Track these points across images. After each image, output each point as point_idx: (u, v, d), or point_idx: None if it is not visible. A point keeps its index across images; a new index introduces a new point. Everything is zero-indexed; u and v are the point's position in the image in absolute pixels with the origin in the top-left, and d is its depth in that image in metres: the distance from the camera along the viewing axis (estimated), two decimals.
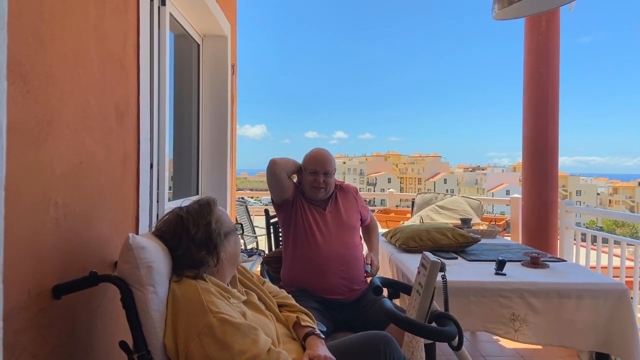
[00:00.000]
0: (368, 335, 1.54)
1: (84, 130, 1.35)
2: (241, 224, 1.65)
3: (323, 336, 1.49)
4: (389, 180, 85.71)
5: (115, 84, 1.56)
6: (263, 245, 4.95)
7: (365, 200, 2.57)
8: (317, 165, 2.27)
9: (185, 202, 1.51)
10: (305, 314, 1.59)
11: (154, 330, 1.24)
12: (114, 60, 1.55)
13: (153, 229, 1.47)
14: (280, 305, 1.60)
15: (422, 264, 1.60)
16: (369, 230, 2.58)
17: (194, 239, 1.37)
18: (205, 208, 1.43)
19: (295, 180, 2.39)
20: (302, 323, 1.51)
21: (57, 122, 1.20)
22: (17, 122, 1.03)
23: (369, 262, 2.32)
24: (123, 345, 1.23)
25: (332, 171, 2.30)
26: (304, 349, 1.45)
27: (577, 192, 74.79)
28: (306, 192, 2.31)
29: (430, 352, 1.94)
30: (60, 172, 1.22)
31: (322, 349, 1.41)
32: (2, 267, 0.55)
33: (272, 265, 2.46)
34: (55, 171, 1.20)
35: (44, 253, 1.15)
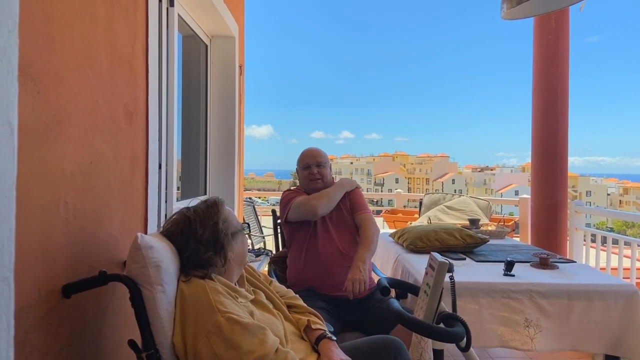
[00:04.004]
0: (378, 339, 1.55)
1: (93, 131, 1.36)
2: (248, 224, 1.64)
3: (335, 338, 1.49)
4: (397, 181, 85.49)
5: (124, 85, 1.57)
6: (270, 245, 4.95)
7: (372, 201, 2.56)
8: (308, 159, 2.38)
9: (193, 202, 1.52)
10: (314, 315, 1.59)
11: (163, 329, 1.24)
12: (123, 61, 1.56)
13: (161, 229, 1.48)
14: (288, 306, 1.60)
15: (429, 265, 1.59)
16: (360, 229, 2.25)
17: (201, 239, 1.37)
18: (212, 208, 1.43)
19: (296, 183, 2.42)
20: (313, 326, 1.51)
21: (67, 122, 1.21)
22: (27, 123, 1.04)
23: (352, 277, 1.95)
24: (132, 344, 1.24)
25: (324, 162, 2.37)
26: (314, 350, 1.46)
27: (587, 192, 74.13)
28: (305, 188, 2.38)
29: (438, 354, 1.93)
30: (70, 172, 1.23)
31: (337, 352, 1.42)
32: (13, 266, 0.56)
33: (280, 265, 2.47)
34: (65, 171, 1.21)
35: (53, 252, 1.17)
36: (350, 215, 2.33)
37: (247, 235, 1.59)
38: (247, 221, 5.17)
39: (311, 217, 2.21)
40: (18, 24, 0.56)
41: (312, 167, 2.35)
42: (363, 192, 2.59)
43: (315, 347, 1.46)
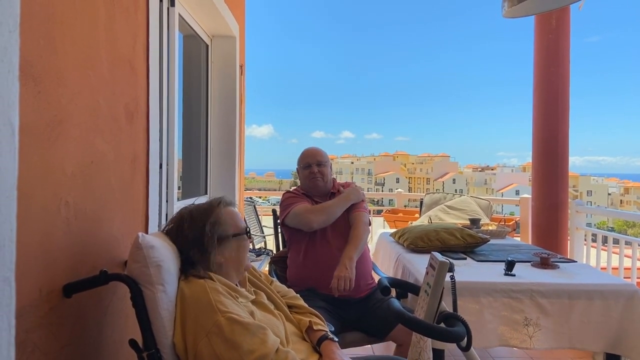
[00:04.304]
0: (388, 359, 1.54)
1: (94, 131, 1.36)
2: (248, 229, 1.58)
3: (337, 339, 1.49)
4: (397, 180, 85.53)
5: (125, 85, 1.57)
6: (271, 244, 4.96)
7: (373, 200, 2.56)
8: (308, 159, 2.38)
9: (199, 200, 1.52)
10: (316, 315, 1.59)
11: (163, 329, 1.25)
12: (124, 61, 1.57)
13: (164, 227, 1.49)
14: (289, 307, 1.60)
15: (430, 264, 1.59)
16: (351, 228, 2.25)
17: (187, 239, 1.39)
18: (208, 210, 1.43)
19: (297, 183, 2.43)
20: (315, 327, 1.51)
21: (68, 122, 1.22)
22: (28, 123, 1.05)
23: (338, 274, 2.00)
24: (133, 343, 1.24)
25: (324, 161, 2.37)
26: (315, 350, 1.46)
27: (587, 192, 74.12)
28: (307, 189, 2.38)
29: (439, 354, 1.93)
30: (71, 172, 1.23)
31: (339, 354, 1.42)
32: (14, 266, 0.56)
33: (280, 264, 2.47)
34: (66, 171, 1.21)
35: (54, 252, 1.17)
36: (349, 214, 2.32)
37: (246, 241, 1.50)
38: (247, 221, 5.17)
39: (306, 230, 2.21)
40: (19, 24, 0.56)
41: (312, 167, 2.34)
42: (364, 192, 2.59)
43: (317, 348, 1.46)
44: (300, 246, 2.25)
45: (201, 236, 1.38)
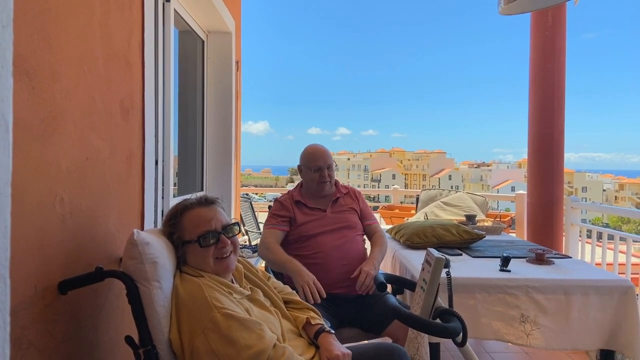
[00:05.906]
0: (383, 346, 1.53)
1: (90, 127, 1.35)
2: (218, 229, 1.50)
3: (333, 331, 1.49)
4: (394, 177, 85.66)
5: (120, 81, 1.56)
6: None
7: (369, 197, 2.56)
8: (319, 161, 2.29)
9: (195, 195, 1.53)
10: (312, 310, 1.59)
11: (160, 325, 1.24)
12: (119, 56, 1.56)
13: None
14: (286, 302, 1.60)
15: (426, 260, 1.60)
16: (372, 243, 2.35)
17: (163, 232, 1.44)
18: (172, 213, 1.44)
19: (293, 180, 2.42)
20: (312, 322, 1.50)
21: (63, 118, 1.21)
22: (22, 119, 1.04)
23: (368, 270, 2.07)
24: (129, 340, 1.24)
25: (333, 164, 2.35)
26: (313, 345, 1.46)
27: (582, 188, 74.49)
28: (310, 190, 2.34)
29: (434, 348, 1.94)
30: (66, 168, 1.23)
31: (337, 346, 1.41)
32: (9, 263, 0.55)
33: None
34: (61, 168, 1.21)
35: (50, 249, 1.16)
36: (352, 215, 2.32)
37: (205, 246, 1.37)
38: (243, 217, 5.15)
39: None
40: (12, 19, 0.55)
41: (323, 170, 2.27)
42: (360, 190, 2.60)
43: (314, 341, 1.46)
44: (297, 244, 2.24)
45: (169, 234, 1.42)
